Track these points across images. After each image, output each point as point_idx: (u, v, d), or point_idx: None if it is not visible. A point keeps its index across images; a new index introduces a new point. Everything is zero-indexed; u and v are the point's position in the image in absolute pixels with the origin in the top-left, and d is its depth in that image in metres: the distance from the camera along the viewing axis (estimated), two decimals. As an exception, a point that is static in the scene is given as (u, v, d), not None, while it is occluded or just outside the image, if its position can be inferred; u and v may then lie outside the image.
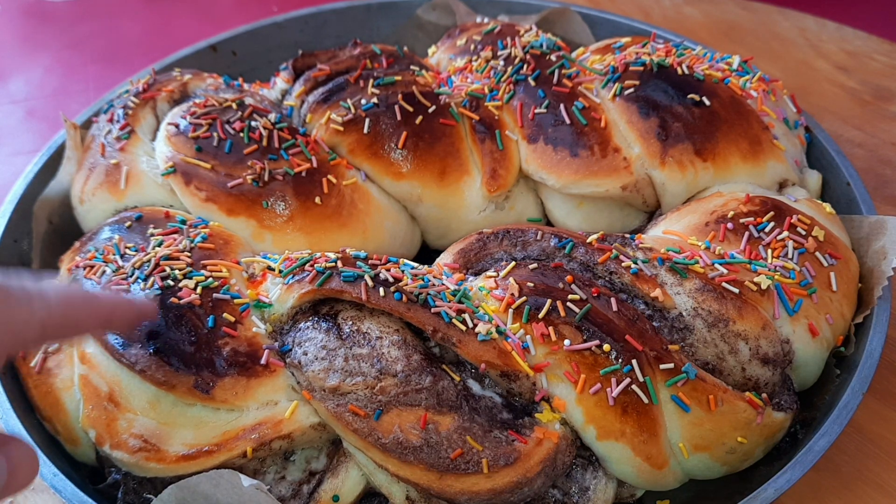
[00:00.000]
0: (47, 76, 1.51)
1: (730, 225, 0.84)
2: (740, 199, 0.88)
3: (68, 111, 1.29)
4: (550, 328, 0.73)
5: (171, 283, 0.76)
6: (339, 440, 0.74)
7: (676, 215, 0.90)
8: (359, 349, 0.73)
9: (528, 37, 1.06)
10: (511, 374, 0.72)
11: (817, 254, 0.82)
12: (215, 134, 0.93)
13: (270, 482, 0.73)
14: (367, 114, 0.96)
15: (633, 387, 0.71)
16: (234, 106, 0.96)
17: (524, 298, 0.75)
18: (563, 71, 1.00)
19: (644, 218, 0.98)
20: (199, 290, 0.76)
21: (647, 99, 0.94)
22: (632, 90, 0.95)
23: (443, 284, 0.78)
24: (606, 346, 0.72)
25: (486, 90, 1.00)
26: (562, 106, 0.96)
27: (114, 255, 0.81)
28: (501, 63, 1.03)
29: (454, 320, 0.73)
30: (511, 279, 0.77)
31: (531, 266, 0.79)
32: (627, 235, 0.84)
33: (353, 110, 0.96)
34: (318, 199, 0.92)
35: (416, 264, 0.83)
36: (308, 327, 0.75)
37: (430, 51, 1.16)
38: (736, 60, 1.01)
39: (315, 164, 0.93)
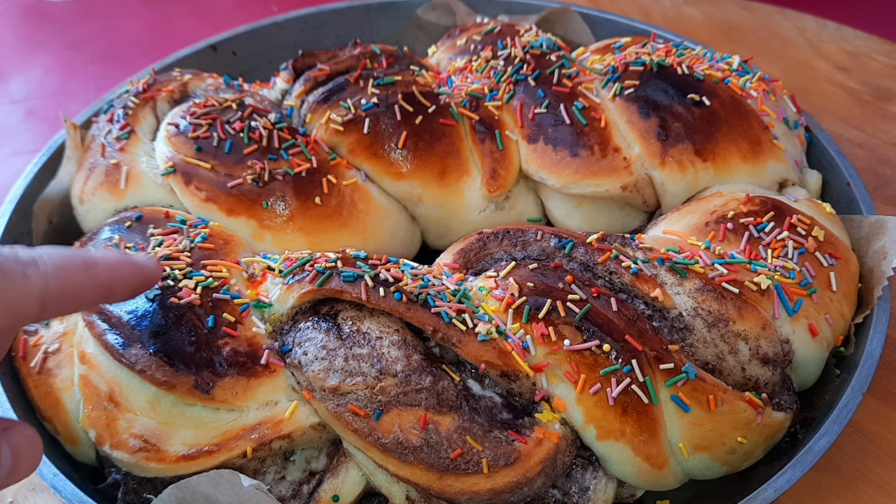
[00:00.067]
0: (47, 76, 1.51)
1: (730, 225, 0.84)
2: (740, 199, 0.88)
3: (68, 111, 1.29)
4: (550, 328, 0.73)
5: (171, 283, 0.76)
6: (339, 440, 0.74)
7: (676, 215, 0.90)
8: (359, 349, 0.73)
9: (528, 37, 1.06)
10: (511, 374, 0.72)
11: (817, 254, 0.82)
12: (215, 134, 0.93)
13: (270, 482, 0.73)
14: (367, 114, 0.96)
15: (633, 387, 0.71)
16: (234, 106, 0.96)
17: (524, 298, 0.75)
18: (563, 71, 1.00)
19: (644, 218, 0.98)
20: (199, 290, 0.76)
21: (647, 99, 0.94)
22: (632, 90, 0.95)
23: (443, 284, 0.78)
24: (606, 346, 0.72)
25: (486, 90, 1.00)
26: (562, 106, 0.96)
27: (114, 255, 0.81)
28: (501, 63, 1.03)
29: (454, 320, 0.73)
30: (511, 279, 0.77)
31: (531, 266, 0.79)
32: (627, 235, 0.84)
33: (353, 110, 0.96)
34: (318, 199, 0.92)
35: (416, 264, 0.83)
36: (308, 327, 0.75)
37: (430, 51, 1.16)
38: (736, 60, 1.01)
39: (315, 164, 0.93)
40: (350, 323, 0.74)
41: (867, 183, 1.01)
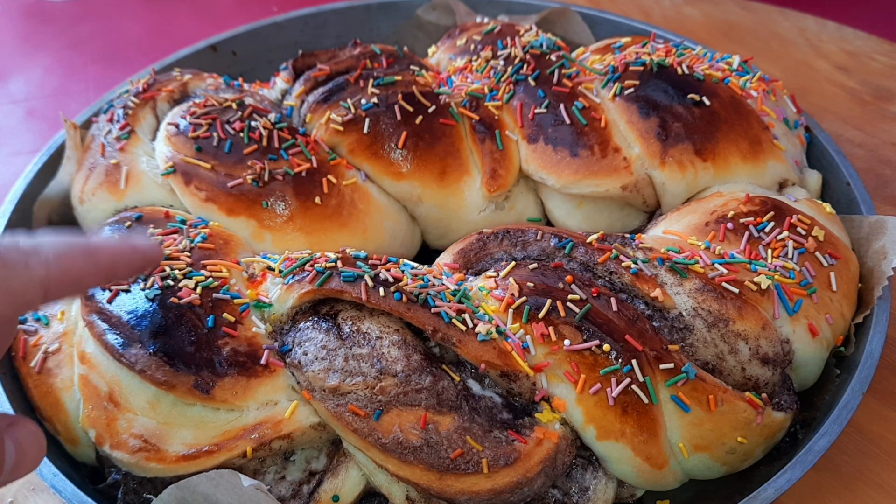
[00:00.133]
0: (47, 76, 1.51)
1: (730, 225, 0.84)
2: (740, 198, 0.88)
3: (68, 111, 1.29)
4: (550, 328, 0.73)
5: (171, 282, 0.76)
6: (339, 440, 0.74)
7: (676, 215, 0.90)
8: (359, 349, 0.73)
9: (528, 37, 1.06)
10: (511, 374, 0.72)
11: (817, 254, 0.82)
12: (215, 134, 0.93)
13: (270, 482, 0.73)
14: (367, 114, 0.96)
15: (633, 387, 0.71)
16: (234, 106, 0.96)
17: (524, 298, 0.75)
18: (563, 71, 1.00)
19: (644, 218, 0.98)
20: (199, 290, 0.76)
21: (647, 99, 0.94)
22: (632, 90, 0.95)
23: (443, 284, 0.78)
24: (606, 346, 0.72)
25: (486, 90, 1.00)
26: (562, 106, 0.96)
27: (114, 255, 0.81)
28: (501, 63, 1.03)
29: (454, 320, 0.73)
30: (511, 279, 0.77)
31: (531, 266, 0.79)
32: (627, 235, 0.84)
33: (353, 110, 0.96)
34: (318, 199, 0.92)
35: (416, 264, 0.83)
36: (308, 327, 0.75)
37: (430, 51, 1.16)
38: (736, 60, 1.01)
39: (315, 164, 0.93)
40: (350, 323, 0.74)
41: (867, 183, 1.01)
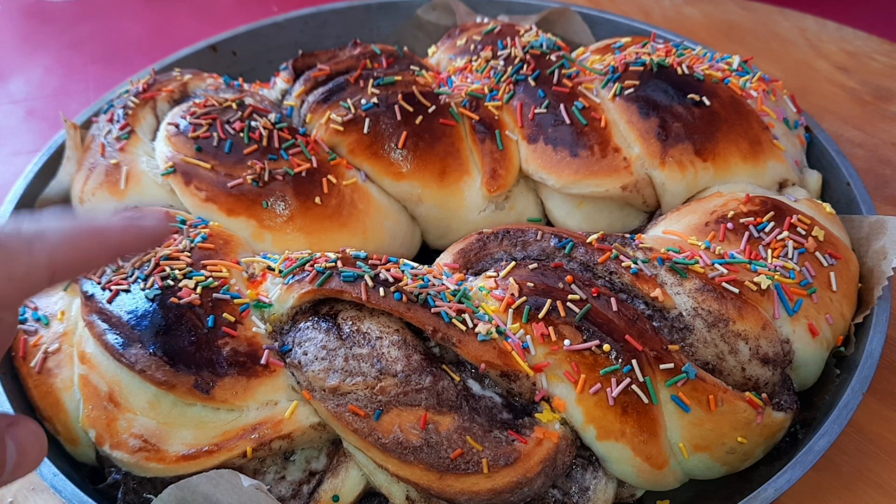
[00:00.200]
0: (47, 76, 1.51)
1: (730, 225, 0.84)
2: (740, 198, 0.88)
3: (68, 111, 1.29)
4: (550, 328, 0.73)
5: (171, 282, 0.76)
6: (339, 440, 0.74)
7: (676, 215, 0.90)
8: (359, 349, 0.73)
9: (528, 37, 1.06)
10: (511, 374, 0.72)
11: (817, 254, 0.82)
12: (215, 134, 0.93)
13: (270, 482, 0.73)
14: (367, 114, 0.96)
15: (633, 387, 0.71)
16: (234, 106, 0.96)
17: (524, 298, 0.75)
18: (563, 71, 1.00)
19: (644, 218, 0.98)
20: (199, 290, 0.76)
21: (647, 99, 0.94)
22: (632, 90, 0.95)
23: (443, 284, 0.78)
24: (606, 346, 0.72)
25: (486, 90, 1.00)
26: (562, 106, 0.96)
27: (114, 255, 0.81)
28: (501, 63, 1.03)
29: (454, 320, 0.73)
30: (511, 279, 0.77)
31: (531, 266, 0.79)
32: (627, 235, 0.84)
33: (353, 110, 0.96)
34: (318, 199, 0.92)
35: (416, 264, 0.83)
36: (308, 327, 0.75)
37: (430, 51, 1.16)
38: (736, 60, 1.01)
39: (315, 164, 0.93)
40: (350, 323, 0.74)
41: (867, 183, 1.01)
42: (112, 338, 0.74)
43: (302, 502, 0.73)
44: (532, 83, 0.99)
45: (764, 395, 0.76)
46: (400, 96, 0.97)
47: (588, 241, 0.81)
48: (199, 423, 0.72)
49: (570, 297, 0.75)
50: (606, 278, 0.79)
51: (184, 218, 0.87)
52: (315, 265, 0.78)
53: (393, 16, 1.30)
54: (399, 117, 0.95)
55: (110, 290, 0.77)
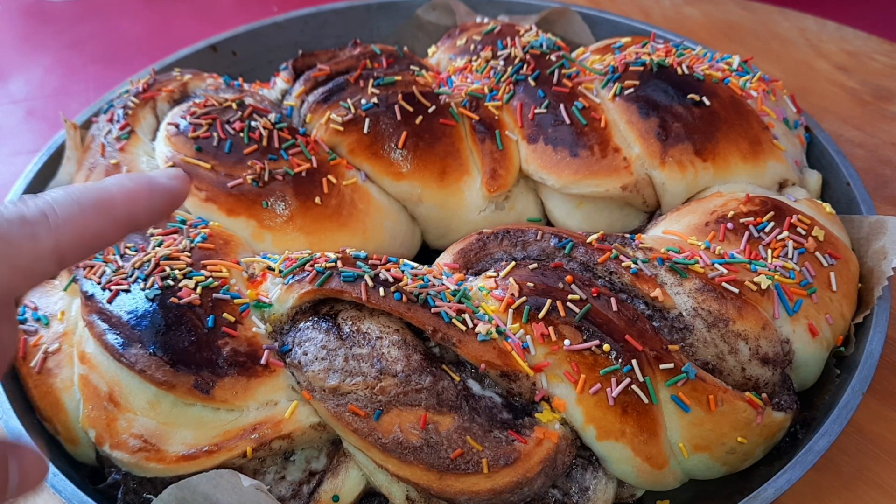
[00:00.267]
0: (47, 76, 1.51)
1: (730, 225, 0.84)
2: (740, 199, 0.88)
3: (68, 111, 1.29)
4: (550, 328, 0.73)
5: (171, 283, 0.76)
6: (339, 440, 0.74)
7: (676, 215, 0.90)
8: (359, 349, 0.73)
9: (528, 37, 1.06)
10: (511, 374, 0.72)
11: (817, 254, 0.82)
12: (215, 134, 0.93)
13: (270, 482, 0.73)
14: (367, 114, 0.96)
15: (633, 387, 0.71)
16: (234, 106, 0.96)
17: (524, 298, 0.75)
18: (563, 71, 1.00)
19: (644, 218, 0.98)
20: (199, 290, 0.76)
21: (647, 99, 0.94)
22: (632, 90, 0.95)
23: (443, 284, 0.78)
24: (606, 346, 0.72)
25: (486, 90, 1.00)
26: (562, 106, 0.96)
27: (114, 255, 0.81)
28: (501, 63, 1.03)
29: (454, 320, 0.73)
30: (511, 279, 0.77)
31: (531, 266, 0.79)
32: (627, 235, 0.84)
33: (353, 110, 0.96)
34: (318, 199, 0.92)
35: (416, 264, 0.83)
36: (308, 327, 0.75)
37: (430, 51, 1.16)
38: (736, 60, 1.01)
39: (315, 164, 0.93)
40: (350, 323, 0.74)
41: (867, 183, 1.01)
42: (112, 338, 0.74)
43: (302, 502, 0.73)
44: (532, 83, 0.99)
45: (764, 395, 0.76)
46: (400, 96, 0.97)
47: (588, 241, 0.81)
48: (199, 423, 0.72)
49: (570, 297, 0.75)
50: (606, 278, 0.79)
51: (184, 218, 0.87)
52: (315, 265, 0.78)
53: (393, 16, 1.30)
54: (399, 117, 0.95)
55: (110, 290, 0.77)
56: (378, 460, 0.70)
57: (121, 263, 0.79)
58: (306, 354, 0.74)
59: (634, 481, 0.75)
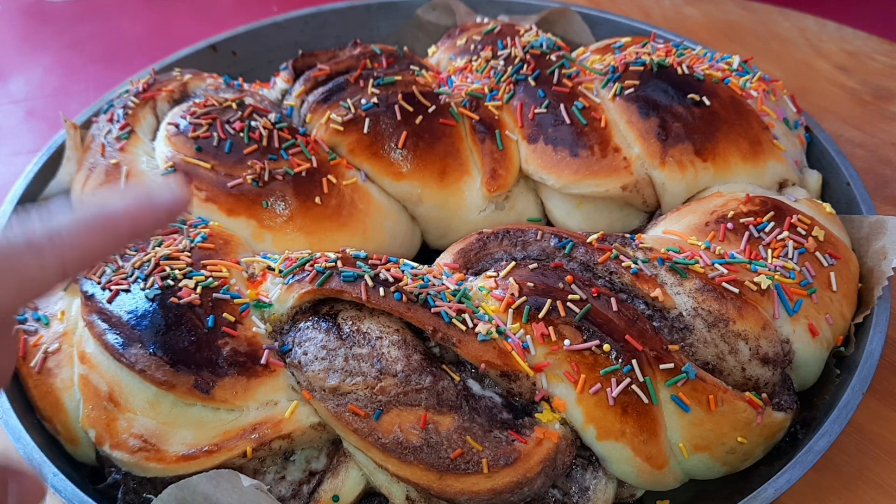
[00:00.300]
0: (47, 76, 1.51)
1: (730, 225, 0.84)
2: (740, 198, 0.88)
3: (68, 111, 1.29)
4: (550, 328, 0.73)
5: (171, 282, 0.76)
6: (339, 440, 0.74)
7: (676, 215, 0.90)
8: (359, 349, 0.73)
9: (528, 37, 1.06)
10: (511, 374, 0.72)
11: (817, 254, 0.82)
12: (215, 134, 0.93)
13: (270, 482, 0.73)
14: (367, 114, 0.96)
15: (633, 387, 0.71)
16: (234, 106, 0.96)
17: (524, 298, 0.75)
18: (563, 71, 1.00)
19: (644, 218, 0.98)
20: (199, 289, 0.76)
21: (647, 99, 0.94)
22: (632, 90, 0.95)
23: (443, 284, 0.78)
24: (606, 346, 0.72)
25: (486, 90, 1.00)
26: (562, 106, 0.96)
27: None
28: (501, 63, 1.03)
29: (454, 320, 0.73)
30: (511, 279, 0.77)
31: (531, 266, 0.79)
32: (627, 235, 0.84)
33: (353, 110, 0.96)
34: (318, 199, 0.92)
35: (416, 264, 0.83)
36: (308, 327, 0.75)
37: (430, 51, 1.16)
38: (736, 60, 1.01)
39: (315, 164, 0.93)
40: (350, 323, 0.74)
41: (867, 183, 1.01)
42: (112, 338, 0.74)
43: (302, 502, 0.73)
44: (532, 83, 0.99)
45: (764, 395, 0.76)
46: (400, 96, 0.97)
47: (588, 241, 0.81)
48: (199, 423, 0.72)
49: (570, 297, 0.75)
50: (606, 278, 0.79)
51: (184, 218, 0.87)
52: (315, 265, 0.78)
53: (393, 16, 1.30)
54: (399, 117, 0.95)
55: (110, 290, 0.77)
56: (378, 460, 0.70)
57: (121, 263, 0.80)
58: (306, 354, 0.74)
59: (634, 481, 0.75)
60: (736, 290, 0.77)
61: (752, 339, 0.76)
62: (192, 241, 0.82)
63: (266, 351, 0.74)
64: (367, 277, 0.75)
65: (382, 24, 1.31)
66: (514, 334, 0.74)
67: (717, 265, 0.79)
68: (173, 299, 0.75)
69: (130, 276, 0.77)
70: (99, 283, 0.78)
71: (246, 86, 1.07)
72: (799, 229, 0.83)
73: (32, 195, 0.99)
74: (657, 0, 1.53)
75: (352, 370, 0.72)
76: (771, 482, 0.71)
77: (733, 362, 0.76)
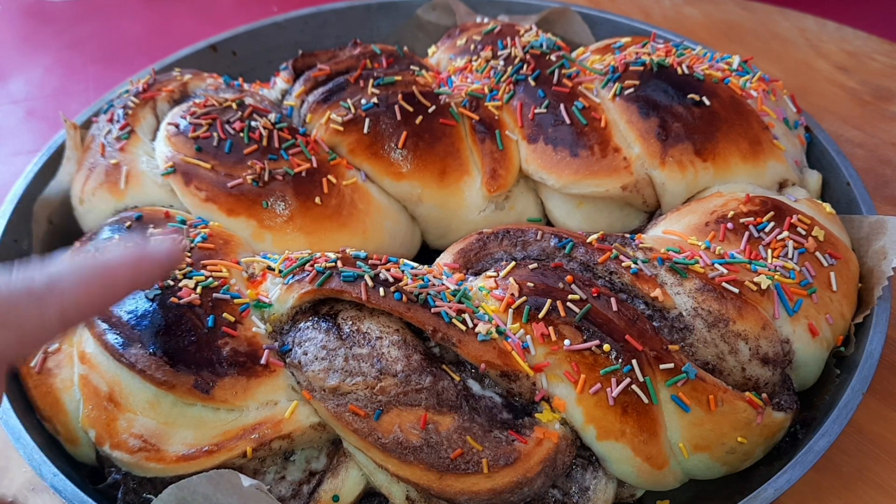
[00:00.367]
0: (47, 76, 1.51)
1: (730, 225, 0.84)
2: (740, 198, 0.88)
3: (68, 111, 1.29)
4: (550, 328, 0.73)
5: (171, 282, 0.76)
6: (339, 440, 0.74)
7: (676, 215, 0.90)
8: (359, 349, 0.73)
9: (528, 37, 1.06)
10: (511, 374, 0.72)
11: (817, 254, 0.82)
12: (215, 134, 0.93)
13: (270, 482, 0.73)
14: (367, 114, 0.96)
15: (633, 387, 0.71)
16: (234, 106, 0.96)
17: (524, 298, 0.75)
18: (563, 71, 1.00)
19: (644, 218, 0.98)
20: (198, 289, 0.76)
21: (647, 99, 0.94)
22: (632, 90, 0.95)
23: (443, 284, 0.78)
24: (606, 346, 0.72)
25: (486, 90, 1.00)
26: (562, 106, 0.96)
27: (114, 255, 0.81)
28: (501, 63, 1.03)
29: (454, 320, 0.73)
30: (511, 279, 0.77)
31: (531, 266, 0.79)
32: (627, 235, 0.84)
33: (353, 110, 0.96)
34: (318, 199, 0.92)
35: (416, 264, 0.83)
36: (308, 327, 0.75)
37: (430, 51, 1.16)
38: (736, 60, 1.01)
39: (315, 164, 0.93)
40: (350, 323, 0.74)
41: (867, 183, 1.01)
42: (112, 338, 0.74)
43: (302, 502, 0.73)
44: (532, 83, 0.99)
45: (764, 395, 0.76)
46: (400, 96, 0.97)
47: (588, 241, 0.81)
48: (199, 423, 0.72)
49: (570, 297, 0.75)
50: (606, 278, 0.79)
51: (184, 218, 0.87)
52: (315, 265, 0.78)
53: (393, 16, 1.30)
54: (399, 117, 0.95)
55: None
56: (378, 460, 0.70)
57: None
58: (306, 354, 0.74)
59: (634, 481, 0.75)
60: (736, 290, 0.77)
61: (752, 339, 0.76)
62: (192, 241, 0.82)
63: (266, 351, 0.74)
64: (367, 277, 0.75)
65: (382, 24, 1.31)
66: (514, 334, 0.74)
67: (717, 265, 0.79)
68: (173, 299, 0.75)
69: (130, 276, 0.77)
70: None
71: (246, 86, 1.07)
72: (799, 229, 0.83)
73: (32, 195, 0.99)
74: (657, 0, 1.53)
75: (352, 370, 0.72)
76: (771, 482, 0.71)
77: (733, 362, 0.76)
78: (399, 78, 0.99)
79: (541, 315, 0.74)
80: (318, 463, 0.75)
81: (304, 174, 0.92)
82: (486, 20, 1.17)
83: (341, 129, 0.95)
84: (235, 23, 1.29)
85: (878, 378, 0.80)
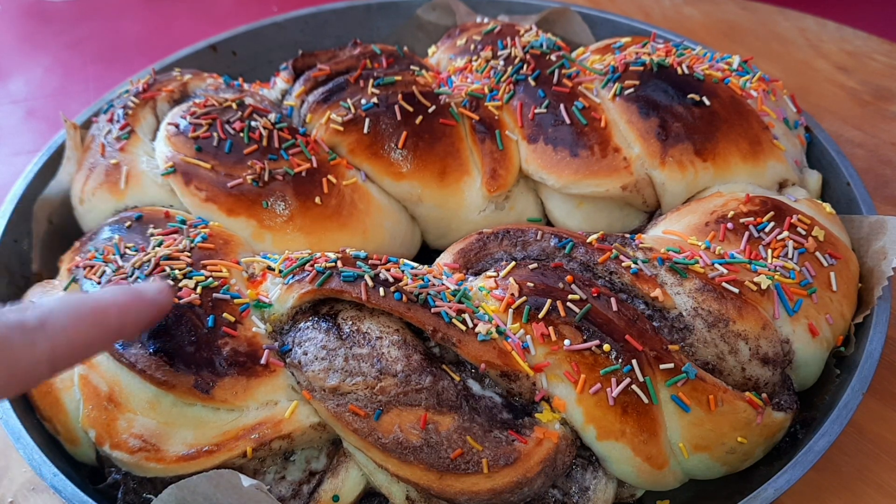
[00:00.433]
0: (47, 76, 1.51)
1: (730, 225, 0.84)
2: (740, 199, 0.88)
3: (68, 111, 1.29)
4: (550, 328, 0.73)
5: (171, 282, 0.76)
6: (339, 440, 0.74)
7: (676, 215, 0.90)
8: (359, 349, 0.73)
9: (528, 37, 1.06)
10: (511, 374, 0.72)
11: (817, 254, 0.82)
12: (215, 134, 0.93)
13: (270, 482, 0.73)
14: (367, 114, 0.96)
15: (633, 387, 0.71)
16: (234, 106, 0.96)
17: (524, 298, 0.75)
18: (563, 71, 1.00)
19: (644, 218, 0.98)
20: (199, 289, 0.76)
21: (647, 99, 0.94)
22: (632, 90, 0.95)
23: (443, 284, 0.78)
24: (606, 346, 0.72)
25: (486, 90, 1.00)
26: (562, 106, 0.96)
27: (114, 255, 0.81)
28: (501, 63, 1.03)
29: (454, 320, 0.73)
30: (511, 279, 0.77)
31: (531, 266, 0.79)
32: (627, 235, 0.84)
33: (353, 110, 0.96)
34: (318, 199, 0.92)
35: (416, 264, 0.83)
36: (308, 327, 0.75)
37: (430, 51, 1.16)
38: (736, 60, 1.01)
39: (315, 164, 0.93)
40: (350, 323, 0.74)
41: (867, 183, 1.01)
42: (112, 338, 0.74)
43: (302, 502, 0.73)
44: (532, 83, 0.99)
45: (764, 395, 0.76)
46: (400, 96, 0.97)
47: (588, 241, 0.81)
48: (199, 423, 0.72)
49: (570, 297, 0.75)
50: (606, 278, 0.79)
51: (184, 218, 0.87)
52: (315, 265, 0.78)
53: (393, 16, 1.30)
54: (399, 117, 0.95)
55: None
56: (378, 460, 0.70)
57: (121, 263, 0.79)
58: (306, 354, 0.74)
59: (634, 481, 0.75)
60: (736, 290, 0.77)
61: (752, 339, 0.76)
62: (192, 241, 0.82)
63: (266, 351, 0.74)
64: (367, 277, 0.75)
65: (382, 24, 1.31)
66: (514, 334, 0.74)
67: (717, 265, 0.79)
68: (173, 299, 0.74)
69: (130, 276, 0.77)
70: (99, 283, 0.78)
71: (246, 86, 1.07)
72: (799, 229, 0.83)
73: (32, 195, 0.99)
74: (657, 0, 1.53)
75: (352, 370, 0.72)
76: (771, 482, 0.71)
77: (733, 362, 0.76)
78: (399, 78, 0.99)
79: (541, 315, 0.74)
80: (318, 463, 0.75)
81: (304, 174, 0.92)
82: (486, 20, 1.17)
83: (341, 129, 0.95)
84: (235, 23, 1.29)
85: (878, 378, 0.80)
